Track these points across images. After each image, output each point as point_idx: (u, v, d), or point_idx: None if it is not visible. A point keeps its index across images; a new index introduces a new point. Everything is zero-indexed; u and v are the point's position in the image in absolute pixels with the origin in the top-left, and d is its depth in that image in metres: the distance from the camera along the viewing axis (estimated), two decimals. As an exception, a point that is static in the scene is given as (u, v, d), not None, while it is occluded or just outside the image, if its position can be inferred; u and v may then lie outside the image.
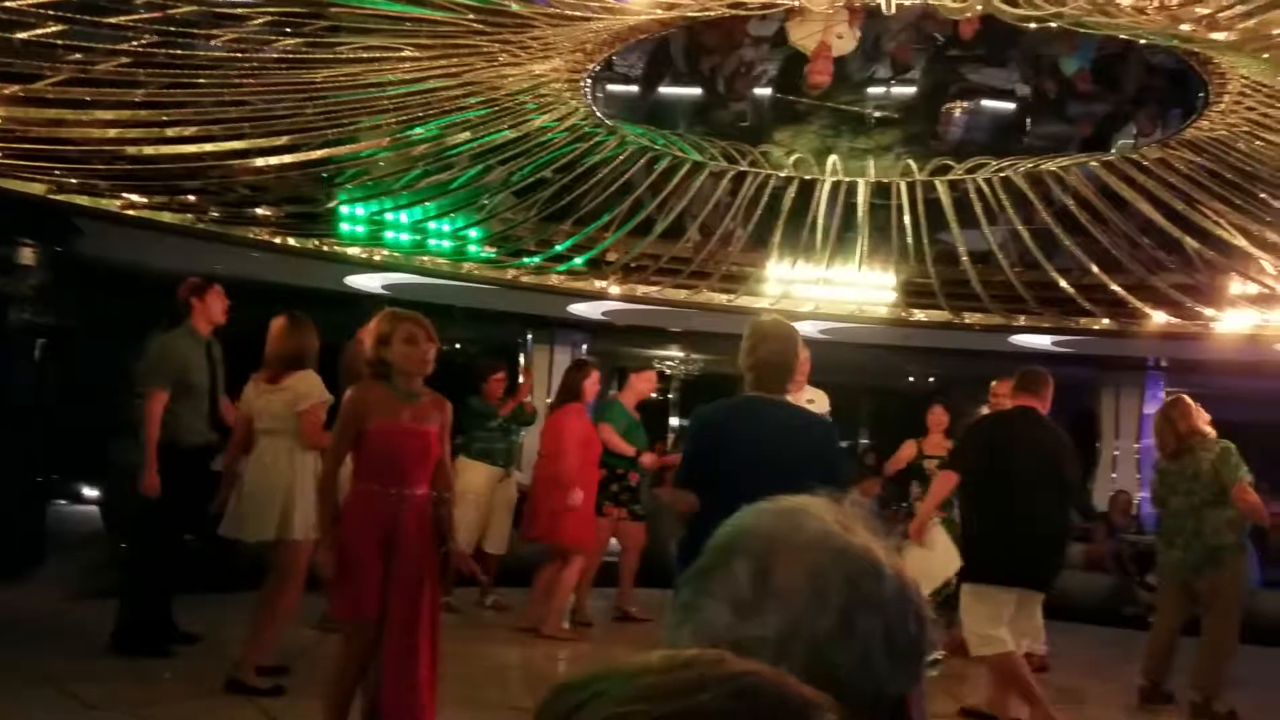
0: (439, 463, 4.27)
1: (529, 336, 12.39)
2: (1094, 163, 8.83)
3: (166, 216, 8.51)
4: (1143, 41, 6.72)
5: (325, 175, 9.20)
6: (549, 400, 11.89)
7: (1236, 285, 10.03)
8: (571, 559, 7.05)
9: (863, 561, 0.84)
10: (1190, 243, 9.23)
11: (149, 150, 7.62)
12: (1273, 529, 10.57)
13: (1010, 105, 8.86)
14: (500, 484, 7.98)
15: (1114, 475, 12.95)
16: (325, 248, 9.45)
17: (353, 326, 4.31)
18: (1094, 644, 8.61)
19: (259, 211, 9.06)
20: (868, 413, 14.75)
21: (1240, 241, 9.12)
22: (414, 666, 3.99)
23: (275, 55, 6.77)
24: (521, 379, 9.47)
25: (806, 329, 11.26)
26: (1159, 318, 10.34)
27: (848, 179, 9.43)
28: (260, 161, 8.17)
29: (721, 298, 10.65)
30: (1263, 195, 8.60)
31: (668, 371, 14.10)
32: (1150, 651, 6.53)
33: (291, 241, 9.41)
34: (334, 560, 4.00)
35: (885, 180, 9.45)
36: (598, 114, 8.55)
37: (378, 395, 4.11)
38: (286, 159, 8.21)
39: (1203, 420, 6.28)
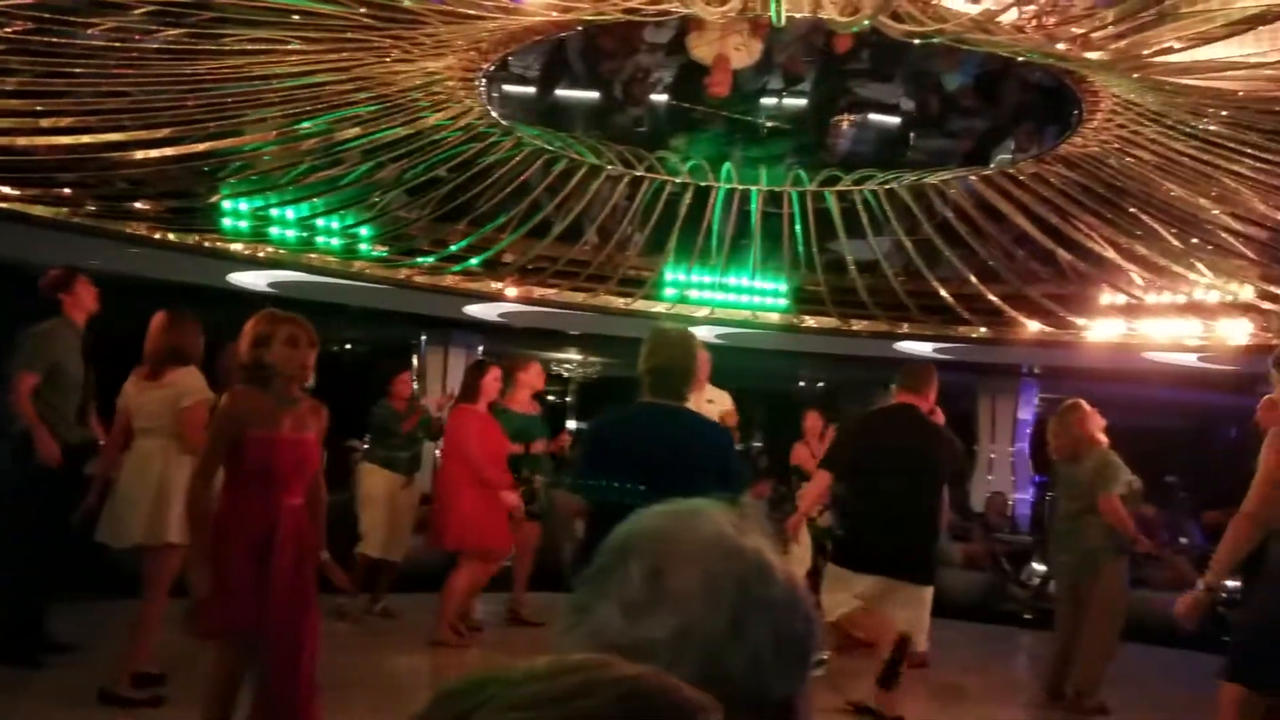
0: (315, 472, 4.16)
1: (423, 338, 12.21)
2: (973, 177, 9.17)
3: (40, 210, 8.12)
4: (1020, 59, 6.99)
5: (208, 169, 8.90)
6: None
7: (1106, 296, 10.56)
8: (471, 563, 6.95)
9: (754, 564, 0.85)
10: (1063, 255, 9.66)
11: (22, 141, 7.27)
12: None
13: (896, 119, 9.20)
14: (402, 490, 7.85)
15: (990, 477, 13.49)
16: (207, 244, 9.14)
17: (237, 325, 4.15)
18: (972, 640, 8.90)
19: (138, 206, 8.72)
20: (760, 416, 15.00)
21: (1110, 254, 9.60)
22: (297, 679, 3.88)
23: (156, 46, 6.52)
24: (429, 398, 9.25)
25: (702, 333, 11.45)
26: (1033, 326, 10.80)
27: (741, 187, 9.59)
28: (140, 154, 7.86)
29: (619, 301, 10.70)
30: (1132, 210, 9.07)
31: (566, 374, 14.08)
32: (1052, 655, 6.64)
33: (172, 237, 9.08)
34: (209, 575, 3.82)
35: (777, 189, 9.64)
36: (493, 114, 8.49)
37: (255, 402, 3.92)
38: (167, 152, 7.92)
39: (1097, 426, 6.45)
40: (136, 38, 6.51)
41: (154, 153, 7.89)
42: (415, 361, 11.87)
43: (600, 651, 0.75)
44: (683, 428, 3.83)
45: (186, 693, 4.78)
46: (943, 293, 10.38)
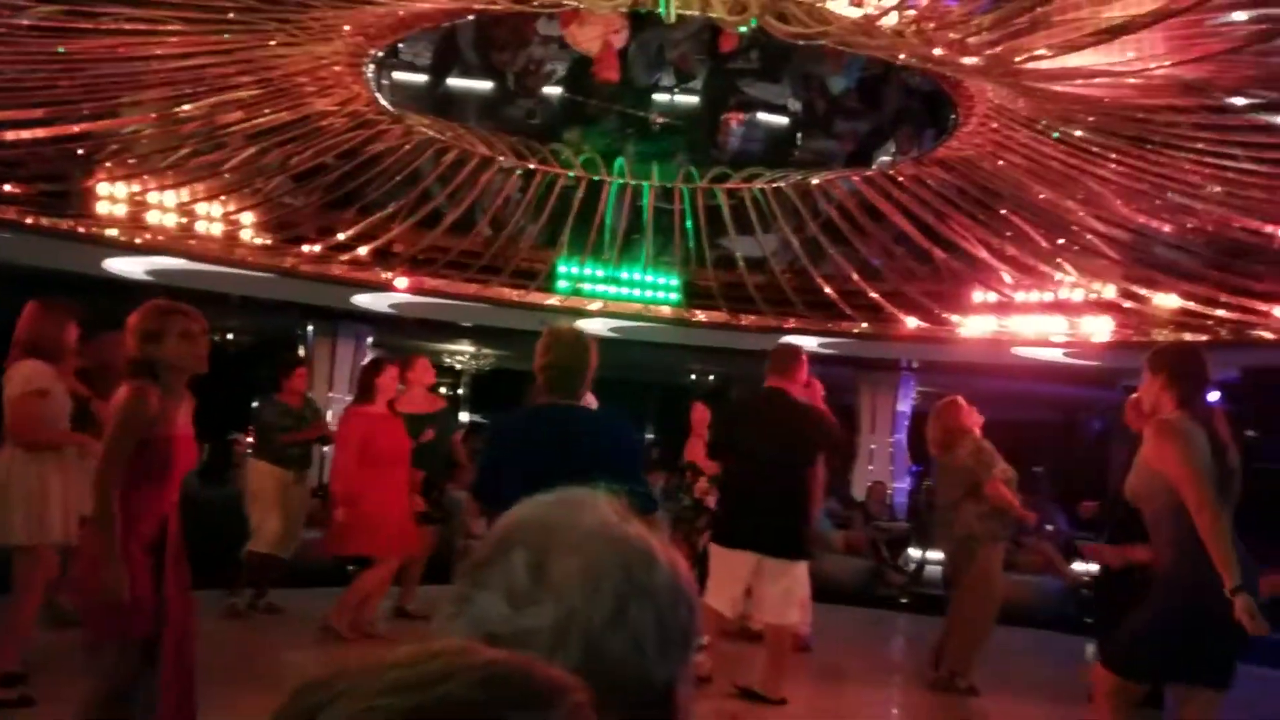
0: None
1: (309, 328, 11.90)
2: (855, 177, 9.47)
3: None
4: (900, 60, 7.25)
5: (83, 152, 8.54)
6: (330, 395, 11.53)
7: (979, 294, 11.03)
8: (381, 565, 6.81)
9: (638, 551, 0.86)
10: (939, 254, 10.06)
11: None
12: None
13: (783, 120, 9.43)
14: (293, 486, 7.64)
15: (871, 467, 13.93)
16: (82, 229, 8.77)
17: (117, 313, 3.99)
18: (852, 624, 9.15)
19: (8, 189, 8.31)
20: (653, 409, 15.14)
21: (983, 254, 10.04)
22: (190, 679, 3.81)
23: (28, 23, 6.24)
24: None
25: (594, 327, 11.50)
26: (911, 323, 11.21)
27: (633, 182, 9.69)
28: (11, 135, 7.50)
29: (512, 293, 10.67)
30: (1003, 212, 9.50)
31: (458, 367, 13.95)
32: (936, 638, 6.89)
33: (44, 221, 8.68)
34: (124, 577, 3.67)
35: (669, 185, 9.77)
36: (381, 101, 8.38)
37: (157, 400, 3.82)
38: (40, 133, 7.58)
39: (972, 420, 6.73)
40: (6, 14, 6.21)
41: (25, 134, 7.54)
42: (302, 352, 11.59)
43: (481, 642, 0.75)
44: (586, 427, 3.85)
45: (53, 691, 4.63)
46: (827, 289, 10.68)
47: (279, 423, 7.58)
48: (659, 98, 9.98)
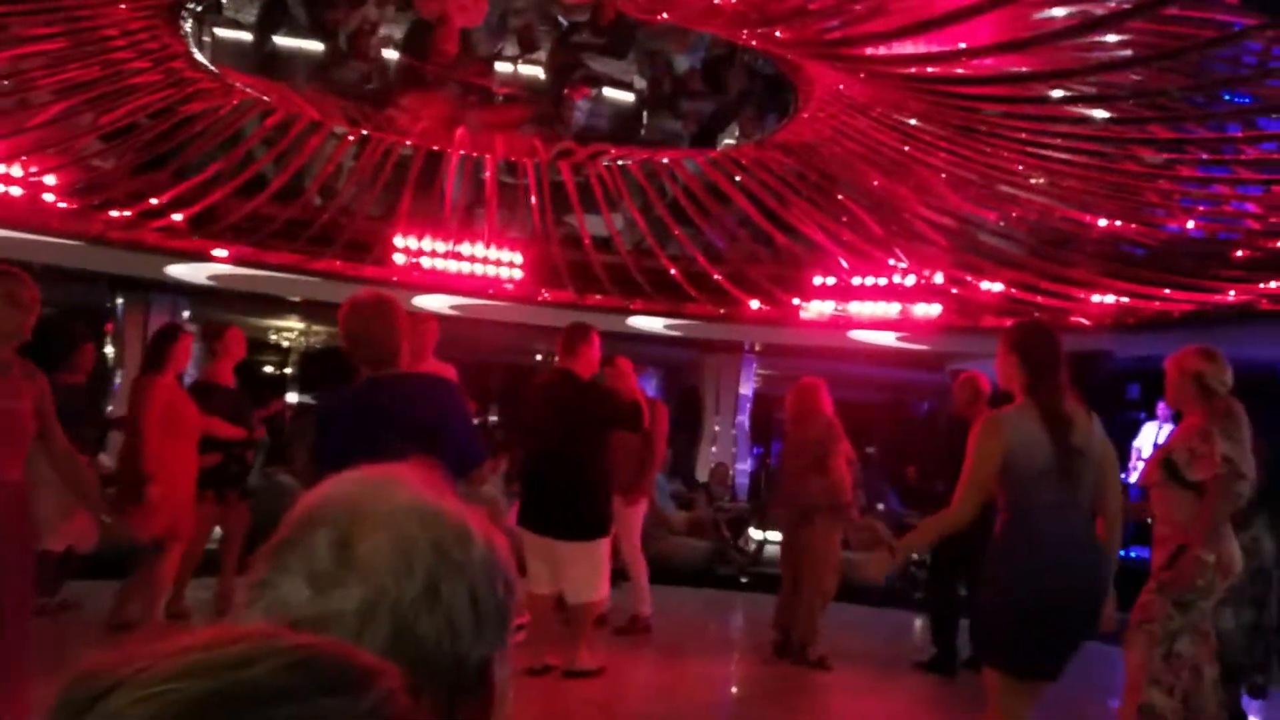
0: (63, 444, 3.77)
1: (119, 301, 11.04)
2: (700, 158, 9.49)
3: None
4: (740, 45, 7.25)
5: None
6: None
7: (818, 278, 11.27)
8: (170, 548, 6.36)
9: (451, 527, 0.83)
10: (781, 238, 10.20)
11: None
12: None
13: (629, 97, 9.33)
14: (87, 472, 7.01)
15: (714, 449, 14.11)
16: None
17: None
18: (694, 603, 9.23)
19: None
20: (498, 389, 14.87)
21: (822, 238, 10.24)
22: (17, 674, 3.42)
23: None
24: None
25: (435, 304, 11.12)
26: (754, 305, 11.36)
27: (475, 153, 9.39)
28: None
29: (344, 266, 10.19)
30: (841, 197, 9.70)
31: (286, 344, 13.27)
32: (778, 607, 6.99)
33: None
34: None
35: (512, 159, 9.53)
36: (199, 58, 7.80)
37: None
38: None
39: (824, 400, 6.87)
40: None
41: None
42: (111, 327, 10.76)
43: (284, 627, 0.72)
44: (406, 396, 3.65)
45: None
46: (672, 271, 10.69)
47: (65, 405, 6.93)
48: (502, 67, 9.70)
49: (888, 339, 12.79)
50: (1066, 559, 3.63)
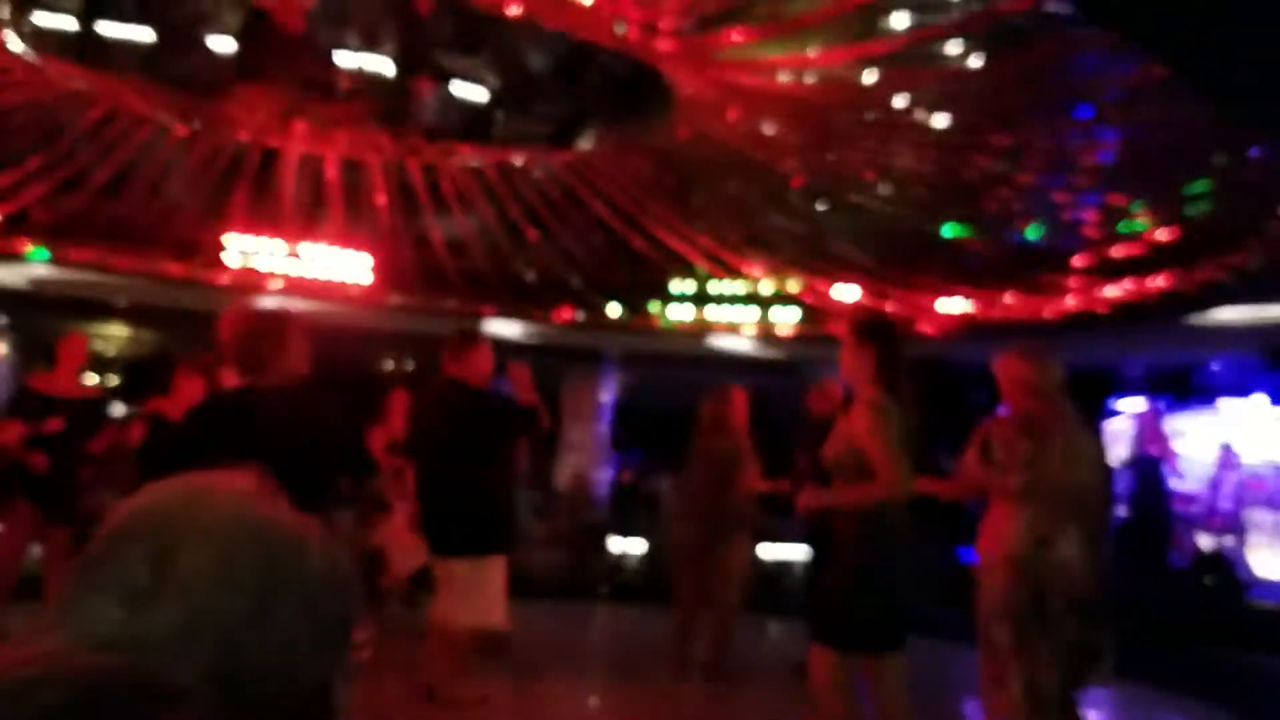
0: None
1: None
2: (556, 160, 9.32)
3: None
4: (596, 44, 7.13)
5: None
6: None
7: (677, 285, 11.26)
8: None
9: (283, 539, 0.79)
10: (638, 243, 10.13)
11: None
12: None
13: (482, 95, 9.08)
14: None
15: (573, 459, 13.92)
16: None
17: None
18: (553, 616, 9.03)
19: None
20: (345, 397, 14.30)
21: (680, 244, 10.21)
22: None
23: None
24: None
25: (274, 307, 10.61)
26: (613, 311, 11.25)
27: (316, 151, 8.96)
28: None
29: (175, 268, 9.57)
30: (698, 202, 9.69)
31: (110, 353, 12.40)
32: (679, 624, 6.80)
33: None
34: None
35: (356, 156, 9.15)
36: (13, 45, 7.17)
37: None
38: None
39: (737, 411, 6.75)
40: None
41: None
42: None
43: (93, 649, 0.68)
44: (271, 408, 3.43)
45: None
46: (528, 276, 10.48)
47: None
48: (345, 60, 9.27)
49: (746, 346, 12.90)
50: (913, 543, 3.80)
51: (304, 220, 9.65)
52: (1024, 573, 4.18)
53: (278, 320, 3.61)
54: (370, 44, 8.58)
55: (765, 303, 11.27)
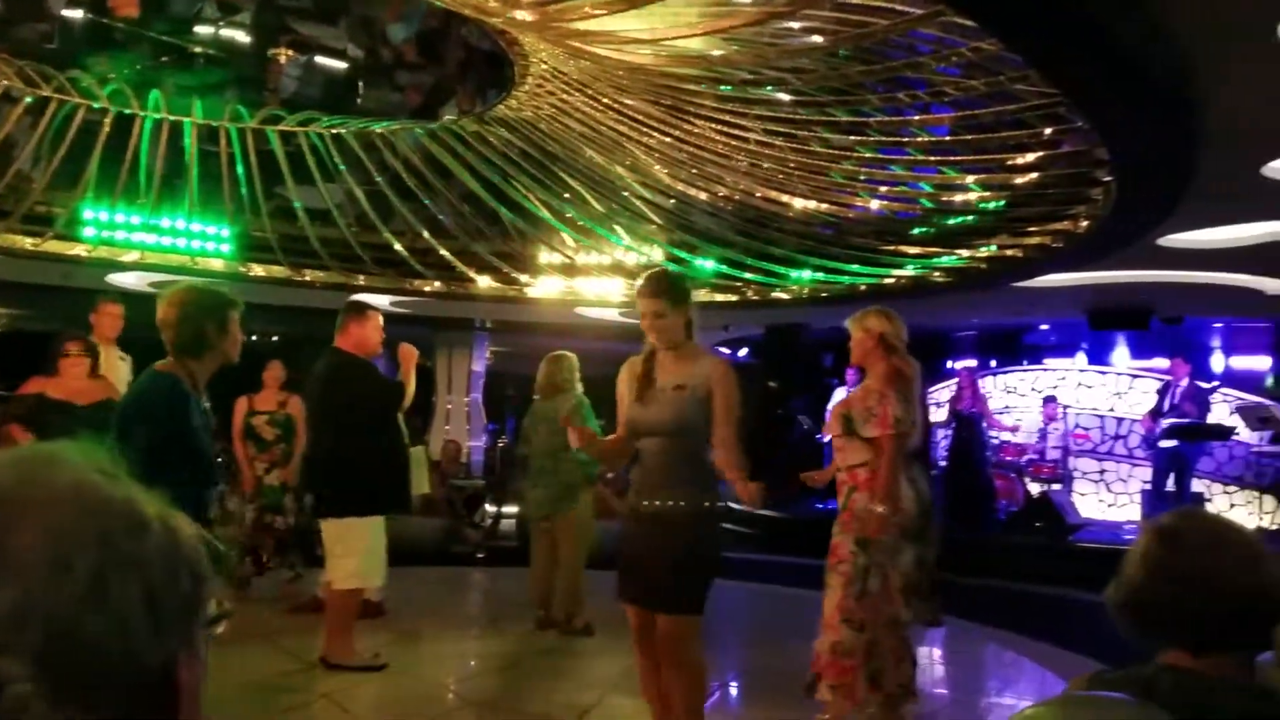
0: None
1: None
2: (419, 130, 9.33)
3: None
4: (453, 14, 7.19)
5: None
6: None
7: (545, 255, 11.42)
8: None
9: (122, 515, 0.75)
10: (505, 214, 10.25)
11: None
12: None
13: (342, 64, 9.01)
14: None
15: (447, 427, 14.01)
16: None
17: None
18: (429, 583, 9.11)
19: None
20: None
21: (545, 215, 10.38)
22: None
23: None
24: None
25: (130, 280, 10.31)
26: (483, 282, 11.36)
27: (172, 118, 8.76)
28: None
29: (25, 241, 9.24)
30: (562, 174, 9.86)
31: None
32: (532, 584, 6.97)
33: None
34: None
35: (214, 124, 8.99)
36: None
37: None
38: None
39: (575, 373, 6.90)
40: None
41: None
42: None
43: None
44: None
45: None
46: (396, 245, 10.49)
47: None
48: (201, 27, 9.06)
49: (613, 314, 13.19)
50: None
51: (162, 190, 9.44)
52: (904, 526, 4.61)
53: (226, 301, 3.60)
54: (228, 12, 8.41)
55: (631, 273, 11.55)
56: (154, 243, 9.51)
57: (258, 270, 10.48)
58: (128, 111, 8.68)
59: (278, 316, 12.79)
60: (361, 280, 11.15)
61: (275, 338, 14.03)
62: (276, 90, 8.60)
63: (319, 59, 8.65)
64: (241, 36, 8.19)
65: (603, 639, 6.63)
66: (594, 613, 6.77)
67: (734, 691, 6.13)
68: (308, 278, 10.73)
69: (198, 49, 8.66)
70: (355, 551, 5.49)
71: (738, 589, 9.21)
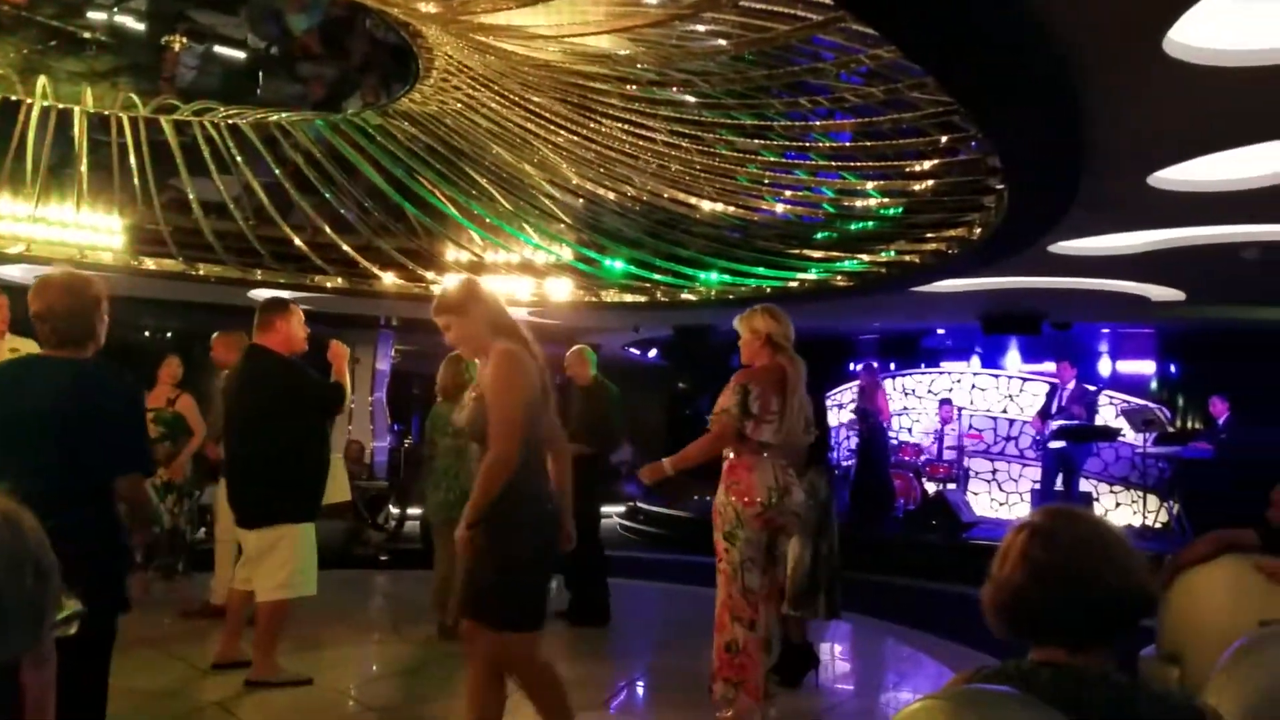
0: None
1: None
2: (319, 122, 9.14)
3: None
4: (358, 3, 7.07)
5: None
6: None
7: (451, 252, 11.30)
8: None
9: None
10: (410, 210, 10.10)
11: None
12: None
13: (241, 54, 8.77)
14: None
15: (350, 427, 13.74)
16: None
17: None
18: (330, 586, 8.90)
19: None
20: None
21: (452, 212, 10.26)
22: None
23: None
24: None
25: (16, 274, 9.86)
26: (388, 279, 11.17)
27: (60, 105, 8.41)
28: None
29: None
30: (469, 171, 9.77)
31: None
32: (435, 589, 6.79)
33: None
34: None
35: (105, 112, 8.67)
36: None
37: None
38: None
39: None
40: None
41: None
42: None
43: None
44: (48, 381, 3.28)
45: None
46: (296, 240, 10.25)
47: None
48: (94, 12, 8.71)
49: (520, 313, 13.13)
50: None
51: (50, 180, 9.05)
52: (766, 520, 4.66)
53: (97, 289, 3.40)
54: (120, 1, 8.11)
55: (539, 272, 11.52)
56: (41, 234, 9.10)
57: (150, 264, 10.12)
58: (14, 98, 8.29)
59: (171, 312, 12.39)
60: (259, 275, 10.87)
61: (169, 333, 13.58)
62: (173, 79, 8.31)
63: (217, 48, 8.40)
64: (136, 23, 7.89)
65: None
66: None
67: (640, 692, 6.15)
68: (202, 272, 10.41)
69: (88, 34, 8.31)
70: (286, 562, 5.27)
71: (649, 589, 9.28)
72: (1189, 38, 4.36)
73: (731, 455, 4.71)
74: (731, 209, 9.47)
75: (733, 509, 4.63)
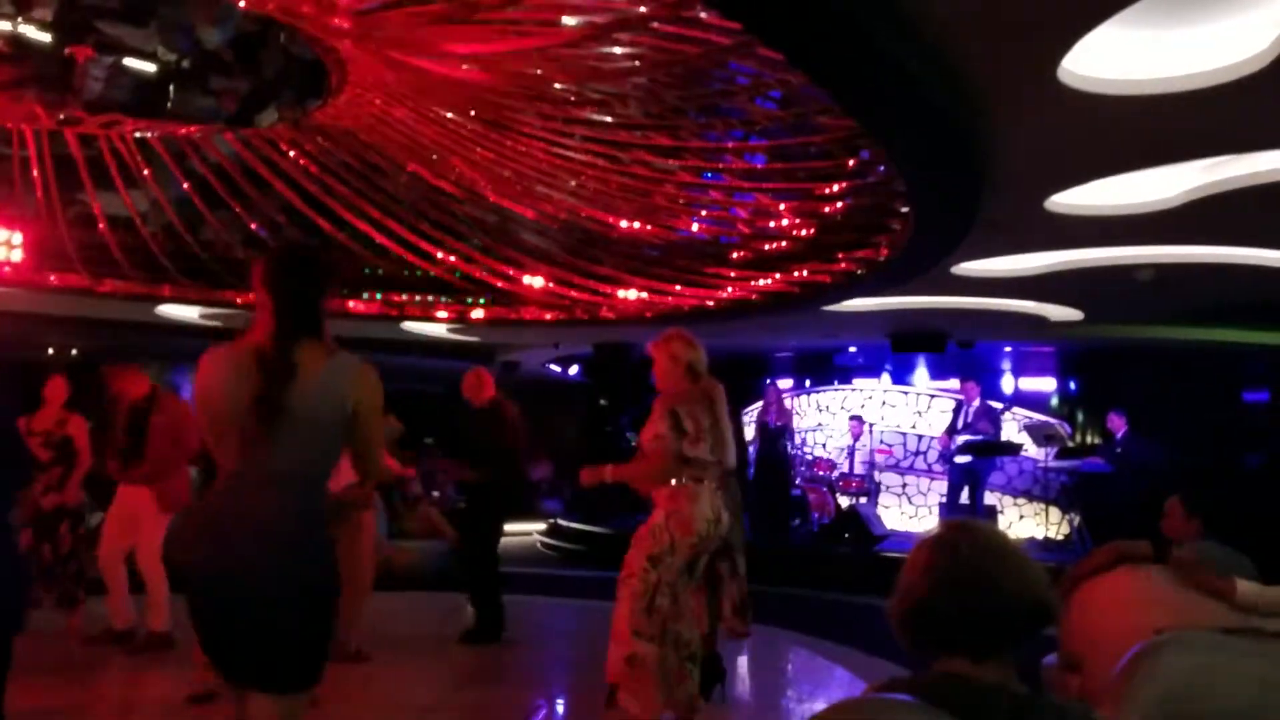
0: None
1: None
2: (229, 136, 8.99)
3: None
4: (265, 13, 7.00)
5: None
6: None
7: (368, 268, 11.19)
8: None
9: None
10: (325, 226, 9.98)
11: None
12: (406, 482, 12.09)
13: (151, 67, 8.58)
14: None
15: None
16: None
17: None
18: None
19: None
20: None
21: (366, 228, 10.17)
22: None
23: None
24: None
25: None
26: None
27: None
28: None
29: None
30: (385, 188, 9.70)
31: None
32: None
33: None
34: None
35: (6, 125, 8.43)
36: None
37: None
38: None
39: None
40: None
41: None
42: None
43: None
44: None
45: None
46: (202, 255, 10.07)
47: None
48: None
49: (439, 330, 13.05)
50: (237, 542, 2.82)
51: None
52: (697, 547, 4.74)
53: None
54: (23, 8, 7.87)
55: (457, 289, 11.48)
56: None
57: (53, 280, 9.82)
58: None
59: (75, 329, 12.02)
60: (167, 291, 10.62)
61: (74, 351, 13.16)
62: (79, 91, 8.10)
63: (126, 61, 8.21)
64: (40, 34, 7.67)
65: (414, 666, 6.58)
66: (381, 638, 6.77)
67: (560, 709, 6.18)
68: (108, 289, 10.14)
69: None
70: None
71: (565, 605, 9.29)
72: (1081, 67, 4.58)
73: (674, 482, 4.75)
74: (650, 228, 9.58)
75: (669, 536, 4.70)
